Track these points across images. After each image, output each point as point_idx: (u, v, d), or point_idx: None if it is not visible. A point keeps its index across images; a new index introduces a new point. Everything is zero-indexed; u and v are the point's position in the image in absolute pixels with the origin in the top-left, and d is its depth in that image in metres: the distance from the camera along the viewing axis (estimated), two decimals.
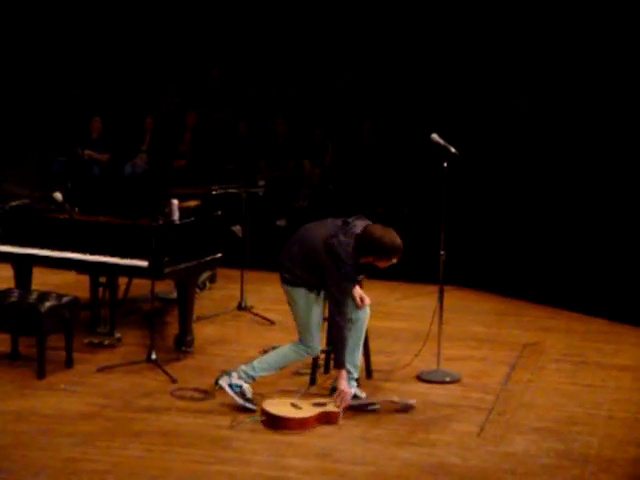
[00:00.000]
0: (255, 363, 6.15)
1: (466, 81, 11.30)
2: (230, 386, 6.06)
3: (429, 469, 5.29)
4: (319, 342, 6.17)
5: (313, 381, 6.57)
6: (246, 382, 6.08)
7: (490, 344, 7.71)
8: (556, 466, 5.37)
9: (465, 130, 10.27)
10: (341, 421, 5.88)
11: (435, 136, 6.84)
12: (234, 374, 6.10)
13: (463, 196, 9.49)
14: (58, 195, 7.24)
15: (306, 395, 6.26)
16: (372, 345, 6.81)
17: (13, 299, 6.64)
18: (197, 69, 12.69)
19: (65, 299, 6.75)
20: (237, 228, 9.81)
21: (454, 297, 8.65)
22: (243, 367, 6.12)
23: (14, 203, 7.44)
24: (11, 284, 7.32)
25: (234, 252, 8.25)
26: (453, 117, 10.74)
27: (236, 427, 5.77)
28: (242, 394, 6.04)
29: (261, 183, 9.00)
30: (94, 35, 13.06)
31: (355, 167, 11.12)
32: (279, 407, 5.87)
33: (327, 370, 6.78)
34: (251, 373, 6.12)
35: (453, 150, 6.73)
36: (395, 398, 6.23)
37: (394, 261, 6.08)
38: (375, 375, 6.76)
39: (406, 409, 6.15)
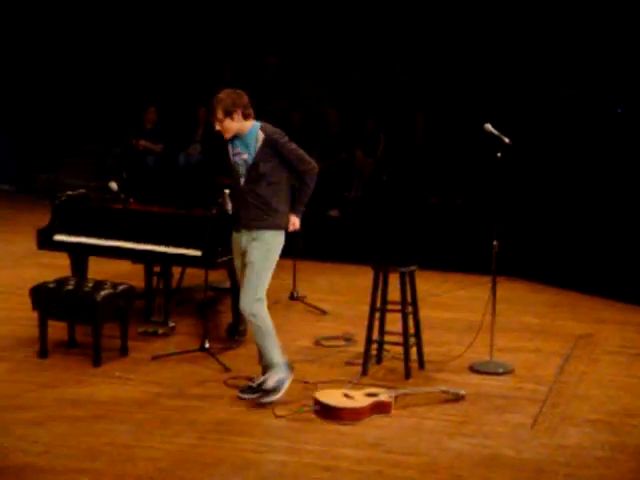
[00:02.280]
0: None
1: (520, 70, 11.22)
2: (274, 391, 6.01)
3: (482, 461, 5.27)
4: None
5: (365, 371, 6.58)
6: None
7: (543, 335, 7.66)
8: (610, 459, 5.33)
9: (519, 120, 10.20)
10: (394, 411, 5.89)
11: (488, 126, 6.80)
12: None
13: (516, 186, 9.43)
14: (113, 185, 7.33)
15: (358, 385, 6.27)
16: (424, 336, 6.80)
17: (70, 288, 6.73)
18: (252, 59, 12.71)
19: (120, 288, 6.83)
20: None
21: (507, 288, 8.60)
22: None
23: (70, 193, 7.52)
24: (68, 273, 7.41)
25: (286, 242, 8.25)
26: (507, 107, 10.66)
27: (289, 416, 5.80)
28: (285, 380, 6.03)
29: None
30: (150, 26, 13.16)
31: (408, 157, 11.09)
32: (332, 397, 5.89)
33: (379, 360, 6.79)
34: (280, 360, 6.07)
35: (507, 140, 6.69)
36: (446, 388, 6.22)
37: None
38: (427, 366, 6.75)
39: (457, 399, 6.13)
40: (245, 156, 6.06)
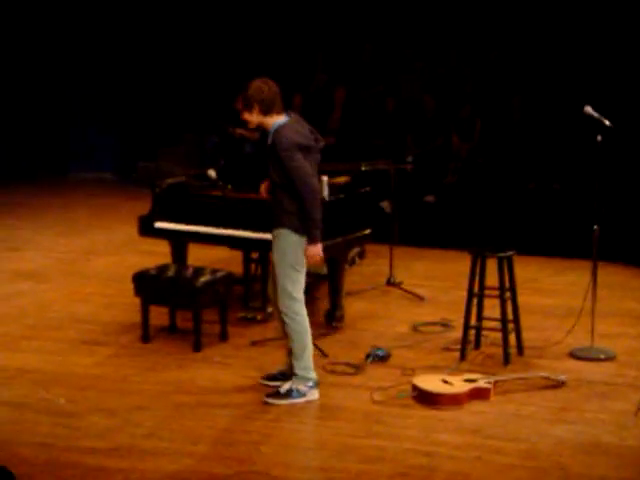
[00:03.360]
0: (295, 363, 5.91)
1: (620, 51, 10.98)
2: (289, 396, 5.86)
3: (584, 447, 5.21)
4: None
5: (463, 357, 6.55)
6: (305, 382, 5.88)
7: None
8: None
9: (620, 102, 9.99)
10: (493, 397, 5.85)
11: (589, 109, 6.68)
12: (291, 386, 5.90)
13: (617, 170, 9.24)
14: (212, 173, 7.42)
15: (456, 371, 6.25)
16: (523, 321, 6.73)
17: (170, 274, 6.85)
18: (348, 45, 12.71)
19: (219, 274, 6.92)
20: (386, 204, 9.85)
21: (607, 273, 8.44)
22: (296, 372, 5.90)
23: (170, 181, 7.65)
24: (168, 260, 7.53)
25: (383, 228, 8.27)
26: (607, 89, 10.45)
27: (387, 402, 5.81)
28: (301, 395, 5.86)
29: (409, 159, 8.97)
30: (244, 15, 13.26)
31: (505, 142, 10.96)
32: (430, 383, 5.88)
33: (477, 346, 6.75)
34: (308, 375, 5.89)
35: (607, 123, 6.56)
36: (546, 374, 6.15)
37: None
38: (526, 352, 6.68)
39: (557, 386, 6.06)
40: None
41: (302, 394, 5.85)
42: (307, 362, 5.89)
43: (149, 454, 5.16)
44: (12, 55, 12.58)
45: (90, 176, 13.73)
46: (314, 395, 5.89)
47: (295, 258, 5.79)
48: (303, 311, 5.88)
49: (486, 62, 12.02)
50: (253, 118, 5.89)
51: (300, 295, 5.87)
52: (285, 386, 5.89)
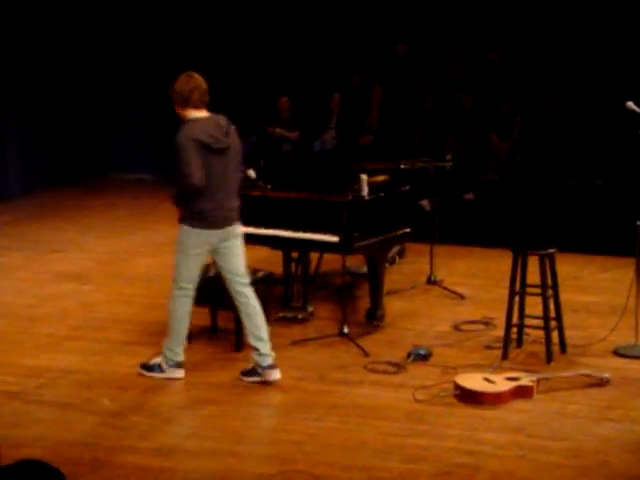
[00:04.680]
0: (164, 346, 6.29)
1: None
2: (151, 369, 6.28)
3: (630, 446, 5.16)
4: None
5: (505, 355, 6.51)
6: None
7: None
8: None
9: None
10: (536, 396, 5.81)
11: (631, 104, 6.62)
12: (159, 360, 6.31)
13: None
14: (252, 173, 7.42)
15: (499, 369, 6.21)
16: (566, 319, 6.68)
17: (211, 275, 6.86)
18: (384, 44, 12.69)
19: (260, 274, 6.94)
20: (425, 202, 9.83)
21: None
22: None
23: None
24: (209, 260, 7.54)
25: (423, 226, 8.25)
26: None
27: (430, 401, 5.79)
28: (161, 371, 6.24)
29: (449, 157, 8.93)
30: (280, 15, 13.28)
31: (545, 139, 10.89)
32: (472, 381, 5.86)
33: (520, 344, 6.70)
34: (170, 355, 6.25)
35: None
36: (590, 372, 6.10)
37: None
38: (569, 350, 6.63)
39: (602, 384, 6.01)
40: None
41: (162, 370, 6.21)
42: (173, 345, 6.21)
43: (192, 454, 5.19)
44: (52, 58, 12.69)
45: (130, 177, 13.82)
46: (175, 373, 6.21)
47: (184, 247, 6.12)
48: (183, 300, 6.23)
49: (526, 59, 11.94)
50: (176, 110, 6.12)
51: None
52: (153, 360, 6.29)
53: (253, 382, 6.11)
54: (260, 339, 6.16)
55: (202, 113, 6.07)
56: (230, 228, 6.15)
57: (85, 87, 13.26)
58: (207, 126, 6.01)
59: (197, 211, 6.03)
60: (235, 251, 6.22)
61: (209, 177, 5.99)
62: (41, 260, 9.27)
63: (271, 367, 6.13)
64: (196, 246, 6.09)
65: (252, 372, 6.17)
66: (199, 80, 6.07)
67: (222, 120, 6.10)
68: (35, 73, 12.41)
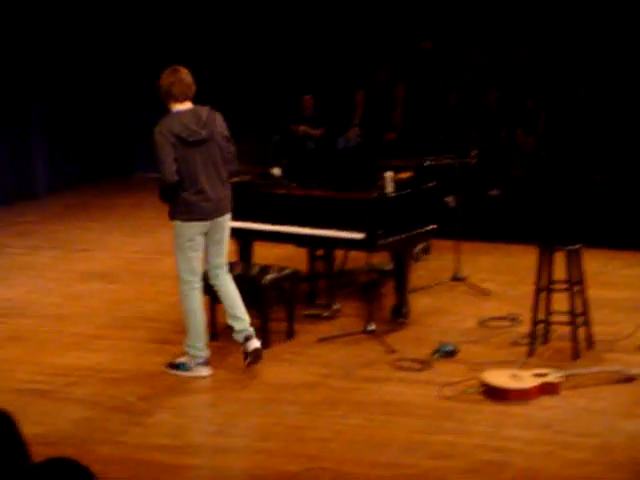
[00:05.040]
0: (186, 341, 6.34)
1: None
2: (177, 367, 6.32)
3: None
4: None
5: (532, 352, 6.49)
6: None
7: None
8: None
9: None
10: (563, 392, 5.79)
11: None
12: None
13: None
14: (276, 171, 7.44)
15: (525, 366, 6.20)
16: (592, 315, 6.65)
17: (237, 272, 6.89)
18: (408, 41, 12.68)
19: (285, 272, 6.95)
20: (450, 199, 9.79)
21: None
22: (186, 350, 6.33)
23: (235, 180, 7.67)
24: (234, 258, 7.58)
25: (448, 223, 8.23)
26: None
27: (456, 398, 5.79)
28: (187, 369, 6.28)
29: (473, 153, 8.90)
30: (304, 12, 13.29)
31: (570, 134, 10.84)
32: (499, 378, 5.85)
33: (546, 340, 6.68)
34: (193, 352, 6.29)
35: None
36: (617, 368, 6.07)
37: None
38: (596, 346, 6.60)
39: (629, 380, 5.98)
40: None
41: (187, 369, 6.25)
42: (193, 341, 6.24)
43: (219, 451, 5.21)
44: (77, 58, 12.76)
45: (155, 176, 13.82)
46: (201, 372, 6.25)
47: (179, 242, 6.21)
48: (191, 292, 6.26)
49: (549, 54, 11.90)
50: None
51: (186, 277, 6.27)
52: (179, 358, 6.32)
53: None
54: (235, 317, 6.33)
55: (184, 106, 6.15)
56: (220, 219, 6.26)
57: (110, 86, 13.32)
58: (184, 119, 6.11)
59: (183, 204, 6.15)
60: (215, 239, 6.29)
61: (188, 170, 6.11)
62: (68, 259, 9.33)
63: (247, 339, 6.29)
64: (190, 239, 6.18)
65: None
66: (181, 74, 6.15)
67: (203, 111, 6.18)
68: (60, 73, 12.47)
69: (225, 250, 6.42)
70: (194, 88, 6.18)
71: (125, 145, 13.82)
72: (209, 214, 6.18)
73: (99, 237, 10.24)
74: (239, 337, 6.31)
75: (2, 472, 2.11)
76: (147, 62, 13.30)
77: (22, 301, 7.96)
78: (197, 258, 6.25)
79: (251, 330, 6.32)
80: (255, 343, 6.28)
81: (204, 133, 6.12)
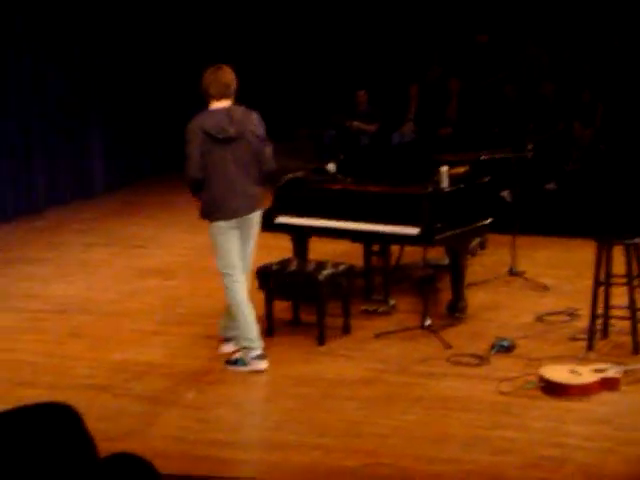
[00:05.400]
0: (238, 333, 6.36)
1: None
2: (235, 363, 6.33)
3: None
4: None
5: (590, 347, 6.42)
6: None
7: None
8: None
9: None
10: (623, 387, 5.72)
11: None
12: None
13: None
14: (331, 166, 7.44)
15: (584, 361, 6.13)
16: None
17: (293, 268, 6.92)
18: (462, 35, 12.61)
19: (341, 267, 6.95)
20: (506, 193, 9.70)
21: None
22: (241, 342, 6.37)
23: (289, 176, 7.70)
24: (290, 254, 7.60)
25: (504, 217, 8.16)
26: None
27: (515, 393, 5.75)
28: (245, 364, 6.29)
29: (529, 147, 8.82)
30: (356, 9, 13.28)
31: (628, 126, 10.70)
32: (558, 373, 5.79)
33: (605, 335, 6.60)
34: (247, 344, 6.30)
35: None
36: None
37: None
38: None
39: None
40: None
41: (245, 363, 6.27)
42: (245, 333, 6.26)
43: (277, 447, 5.23)
44: (132, 62, 12.88)
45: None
46: (259, 365, 6.24)
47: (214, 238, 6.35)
48: (233, 286, 6.32)
49: (608, 48, 11.75)
50: None
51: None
52: (235, 355, 6.37)
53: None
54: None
55: (221, 104, 6.23)
56: (249, 216, 6.33)
57: (165, 85, 13.43)
58: (217, 116, 6.20)
59: (209, 201, 6.27)
60: (243, 237, 6.36)
61: (218, 167, 6.19)
62: (125, 256, 9.42)
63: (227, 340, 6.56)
64: (222, 233, 6.28)
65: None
66: (221, 73, 6.26)
67: (238, 110, 6.26)
68: (118, 74, 12.60)
69: (249, 252, 6.46)
70: (233, 87, 6.24)
71: (179, 143, 13.91)
72: (238, 211, 6.25)
73: (155, 234, 10.33)
74: (222, 332, 6.59)
75: (72, 468, 2.14)
76: (200, 61, 13.38)
77: (81, 297, 8.05)
78: (234, 251, 6.32)
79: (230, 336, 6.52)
80: (226, 348, 6.53)
81: (232, 131, 6.18)
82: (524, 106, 11.33)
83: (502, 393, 5.75)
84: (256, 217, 6.39)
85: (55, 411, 2.21)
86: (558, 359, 6.20)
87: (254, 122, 6.28)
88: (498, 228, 7.81)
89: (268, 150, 6.36)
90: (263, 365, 6.28)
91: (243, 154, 6.23)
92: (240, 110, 6.25)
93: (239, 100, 6.37)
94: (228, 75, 6.23)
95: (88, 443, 2.17)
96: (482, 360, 6.33)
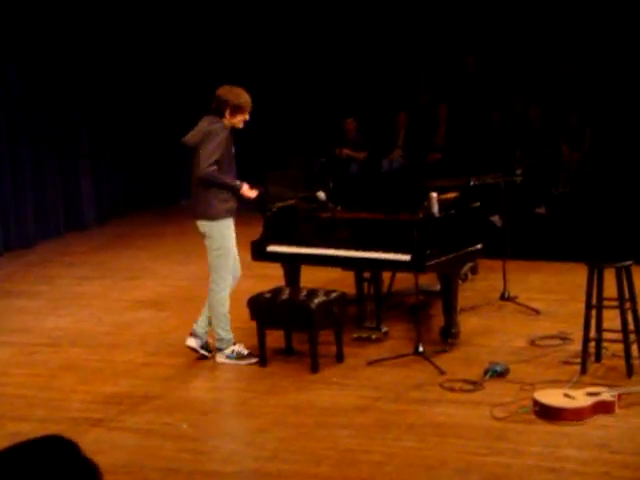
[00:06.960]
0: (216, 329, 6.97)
1: None
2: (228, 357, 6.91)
3: None
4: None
5: (584, 370, 6.42)
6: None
7: None
8: None
9: None
10: (618, 410, 5.72)
11: None
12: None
13: None
14: (321, 195, 7.45)
15: (578, 385, 6.13)
16: None
17: (284, 297, 6.92)
18: (450, 62, 12.68)
19: (333, 295, 6.95)
20: (496, 218, 9.74)
21: None
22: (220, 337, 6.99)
23: (280, 205, 7.72)
24: (281, 283, 7.60)
25: (494, 242, 8.18)
26: None
27: (509, 418, 5.74)
28: (240, 356, 6.91)
29: (518, 172, 8.86)
30: (350, 39, 13.34)
31: (616, 149, 10.75)
32: (552, 397, 5.79)
33: (598, 358, 6.61)
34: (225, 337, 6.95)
35: None
36: None
37: (246, 116, 6.99)
38: None
39: None
40: None
41: (242, 356, 6.93)
42: (226, 325, 7.00)
43: (273, 476, 5.21)
44: (122, 91, 12.91)
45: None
46: (251, 360, 6.90)
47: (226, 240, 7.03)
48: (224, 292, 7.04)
49: (592, 72, 11.83)
50: None
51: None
52: (231, 347, 6.94)
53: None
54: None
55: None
56: (197, 222, 7.00)
57: (155, 118, 13.46)
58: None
59: (225, 200, 6.99)
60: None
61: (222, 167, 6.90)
62: (117, 288, 9.41)
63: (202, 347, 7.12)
64: (228, 227, 7.02)
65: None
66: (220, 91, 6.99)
67: (203, 121, 6.99)
68: (107, 106, 12.64)
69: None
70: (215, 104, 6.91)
71: (170, 175, 13.94)
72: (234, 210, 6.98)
73: (147, 265, 10.32)
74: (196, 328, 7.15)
75: None
76: (191, 93, 13.44)
77: (73, 330, 8.04)
78: (234, 251, 7.01)
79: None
80: (191, 342, 7.08)
81: (189, 140, 7.06)
82: (510, 131, 11.38)
83: (496, 418, 5.75)
84: (202, 226, 7.01)
85: (50, 444, 2.18)
86: (552, 383, 6.20)
87: (202, 130, 6.95)
88: (489, 253, 7.82)
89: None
90: (253, 360, 6.87)
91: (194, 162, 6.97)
92: (204, 121, 7.00)
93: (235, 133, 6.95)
94: (217, 90, 7.07)
95: (93, 471, 2.14)
96: (476, 385, 6.32)
